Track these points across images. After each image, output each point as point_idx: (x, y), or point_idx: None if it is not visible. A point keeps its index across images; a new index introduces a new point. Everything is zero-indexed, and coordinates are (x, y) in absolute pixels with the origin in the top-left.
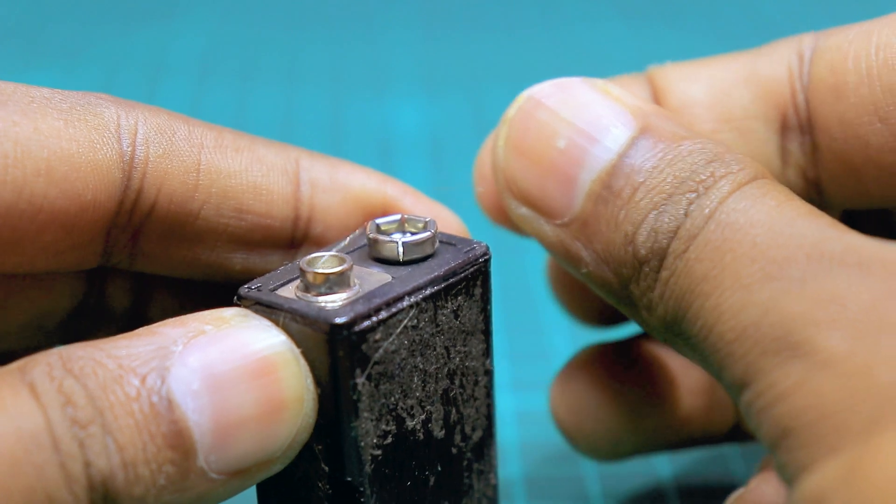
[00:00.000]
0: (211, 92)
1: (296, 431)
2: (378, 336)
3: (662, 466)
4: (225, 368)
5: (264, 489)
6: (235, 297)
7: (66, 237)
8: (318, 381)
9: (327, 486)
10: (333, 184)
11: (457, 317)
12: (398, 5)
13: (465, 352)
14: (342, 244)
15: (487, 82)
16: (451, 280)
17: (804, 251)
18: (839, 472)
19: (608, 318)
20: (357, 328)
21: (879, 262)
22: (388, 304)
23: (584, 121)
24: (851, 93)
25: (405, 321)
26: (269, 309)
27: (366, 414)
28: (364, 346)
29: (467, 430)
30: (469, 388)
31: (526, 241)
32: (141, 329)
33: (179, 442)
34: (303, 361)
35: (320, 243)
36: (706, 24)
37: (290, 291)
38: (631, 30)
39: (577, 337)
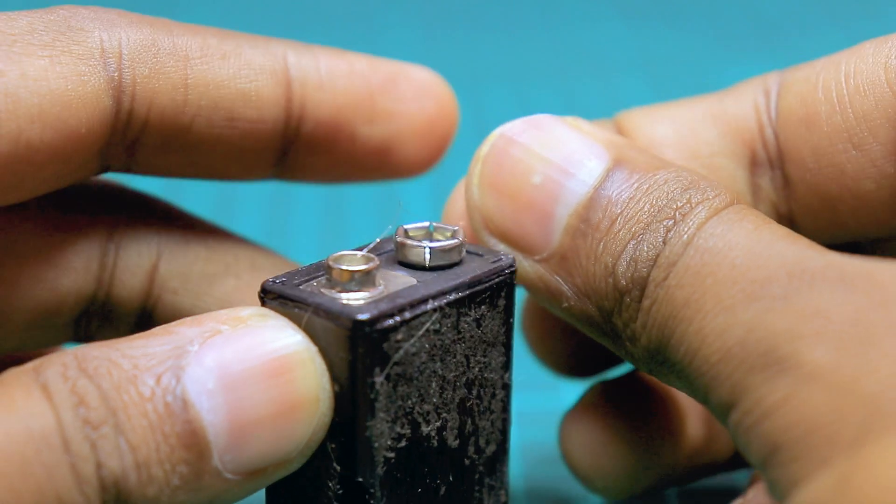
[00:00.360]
0: None
1: (312, 431)
2: (400, 336)
3: None
4: (241, 368)
5: (273, 486)
6: (260, 290)
7: (64, 167)
8: (336, 379)
9: (338, 486)
10: (322, 80)
11: (479, 326)
12: (398, 5)
13: (484, 362)
14: (369, 246)
15: (487, 82)
16: (477, 288)
17: (785, 270)
18: (830, 484)
19: (584, 367)
20: (379, 326)
21: (861, 276)
22: (412, 306)
23: (558, 156)
24: (824, 122)
25: (427, 324)
26: (292, 302)
27: (382, 414)
28: (385, 345)
29: (481, 442)
30: (486, 399)
31: None
32: (157, 328)
33: (194, 442)
34: (320, 361)
35: (311, 141)
36: (706, 24)
37: (314, 287)
38: (631, 30)
39: None
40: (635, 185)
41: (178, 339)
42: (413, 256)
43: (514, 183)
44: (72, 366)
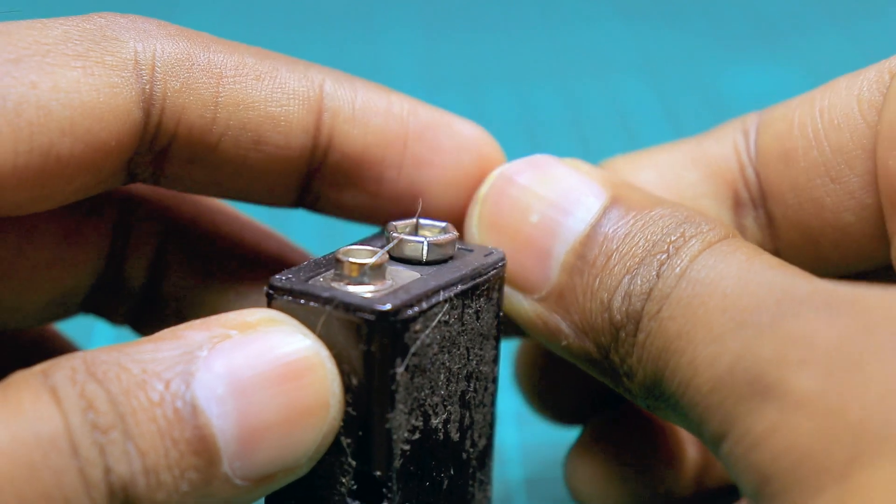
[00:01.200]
0: None
1: (322, 437)
2: (418, 327)
3: None
4: (251, 374)
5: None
6: (267, 288)
7: (92, 178)
8: (353, 372)
9: (352, 482)
10: (355, 113)
11: (478, 318)
12: (398, 5)
13: (480, 355)
14: (362, 242)
15: (487, 82)
16: (478, 280)
17: (774, 297)
18: None
19: (579, 414)
20: (402, 317)
21: (847, 301)
22: (427, 296)
23: (555, 194)
24: (801, 157)
25: (440, 315)
26: (305, 297)
27: (401, 406)
28: (406, 336)
29: (475, 436)
30: (480, 393)
31: None
32: (164, 332)
33: (204, 448)
34: (331, 365)
35: (335, 174)
36: (706, 24)
37: (323, 282)
38: (631, 30)
39: None
40: (631, 222)
41: (186, 343)
42: (410, 251)
43: (512, 222)
44: (80, 370)
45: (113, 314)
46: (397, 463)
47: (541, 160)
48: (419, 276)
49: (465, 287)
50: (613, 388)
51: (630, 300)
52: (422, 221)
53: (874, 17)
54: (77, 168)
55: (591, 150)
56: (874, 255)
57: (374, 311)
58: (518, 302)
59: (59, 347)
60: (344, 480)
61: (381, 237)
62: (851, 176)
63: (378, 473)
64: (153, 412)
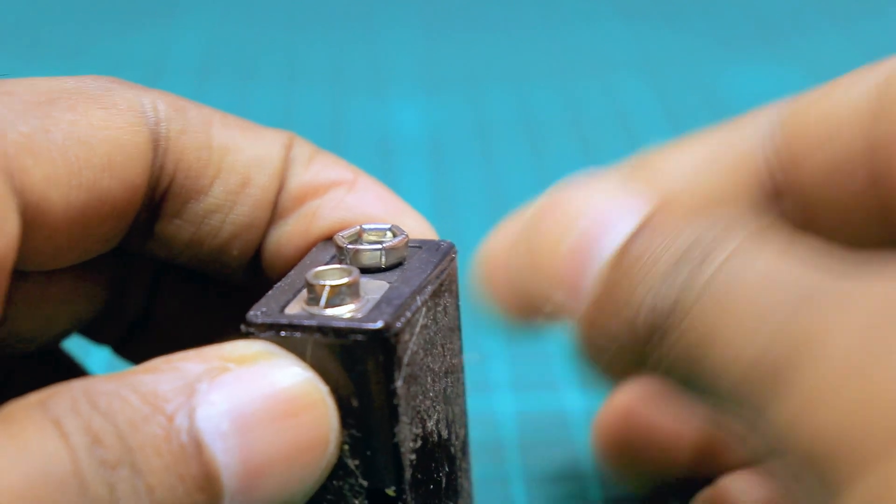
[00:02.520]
0: (211, 92)
1: (320, 472)
2: (406, 337)
3: None
4: (254, 409)
5: None
6: (244, 326)
7: (118, 223)
8: (353, 394)
9: (365, 502)
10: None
11: (446, 313)
12: (398, 5)
13: (451, 349)
14: (306, 263)
15: (487, 82)
16: (442, 276)
17: (798, 292)
18: (866, 497)
19: (666, 479)
20: (392, 331)
21: (871, 292)
22: (408, 305)
23: (590, 218)
24: (817, 152)
25: (420, 321)
26: (288, 329)
27: (404, 418)
28: (399, 349)
29: (457, 428)
30: (456, 385)
31: None
32: (157, 361)
33: (208, 485)
34: (330, 401)
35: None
36: (706, 24)
37: (298, 308)
38: (631, 30)
39: None
40: (665, 233)
41: (185, 375)
42: (368, 260)
43: (551, 248)
44: (82, 400)
45: (101, 336)
46: (408, 475)
47: (575, 182)
48: (388, 284)
49: (434, 287)
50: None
51: (662, 305)
52: (364, 227)
53: (874, 17)
54: (112, 207)
55: (591, 149)
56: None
57: (365, 332)
58: (566, 325)
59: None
60: (357, 502)
61: (325, 251)
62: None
63: (393, 488)
64: (160, 447)
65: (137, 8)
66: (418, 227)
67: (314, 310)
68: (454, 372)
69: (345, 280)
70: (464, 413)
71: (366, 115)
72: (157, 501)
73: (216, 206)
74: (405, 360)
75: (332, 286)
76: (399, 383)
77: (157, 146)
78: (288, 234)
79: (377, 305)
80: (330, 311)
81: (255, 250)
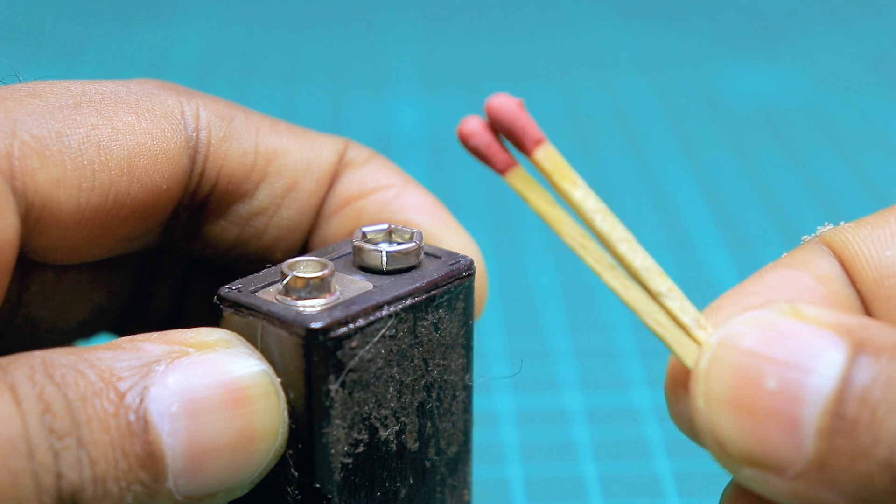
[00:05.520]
0: (211, 91)
1: (267, 463)
2: (354, 343)
3: (662, 466)
4: (205, 395)
5: None
6: (215, 298)
7: (142, 225)
8: (291, 386)
9: (296, 492)
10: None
11: (437, 329)
12: (398, 5)
13: (444, 365)
14: (328, 250)
15: (487, 82)
16: (433, 292)
17: None
18: None
19: None
20: (333, 334)
21: None
22: (367, 313)
23: (788, 353)
24: None
25: (383, 330)
26: (246, 310)
27: (338, 421)
28: (339, 353)
29: (442, 444)
30: (447, 402)
31: (524, 243)
32: (121, 340)
33: (151, 463)
34: (283, 394)
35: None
36: (706, 24)
37: (270, 294)
38: (631, 30)
39: (577, 337)
40: (888, 365)
41: (144, 355)
42: (370, 260)
43: (746, 395)
44: (39, 369)
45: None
46: (338, 476)
47: (759, 317)
48: (372, 287)
49: (416, 300)
50: None
51: None
52: (393, 227)
53: (874, 17)
54: (132, 210)
55: (592, 149)
56: None
57: (305, 329)
58: (771, 484)
59: None
60: (289, 490)
61: (349, 243)
62: None
63: (318, 486)
64: (107, 422)
65: (139, 7)
66: (460, 243)
67: (281, 297)
68: (446, 388)
69: (315, 274)
70: (460, 431)
71: (366, 114)
72: (99, 474)
73: (261, 209)
74: (349, 365)
75: (297, 277)
76: (334, 387)
77: (195, 152)
78: (332, 235)
79: (335, 307)
80: (294, 302)
81: (298, 251)
